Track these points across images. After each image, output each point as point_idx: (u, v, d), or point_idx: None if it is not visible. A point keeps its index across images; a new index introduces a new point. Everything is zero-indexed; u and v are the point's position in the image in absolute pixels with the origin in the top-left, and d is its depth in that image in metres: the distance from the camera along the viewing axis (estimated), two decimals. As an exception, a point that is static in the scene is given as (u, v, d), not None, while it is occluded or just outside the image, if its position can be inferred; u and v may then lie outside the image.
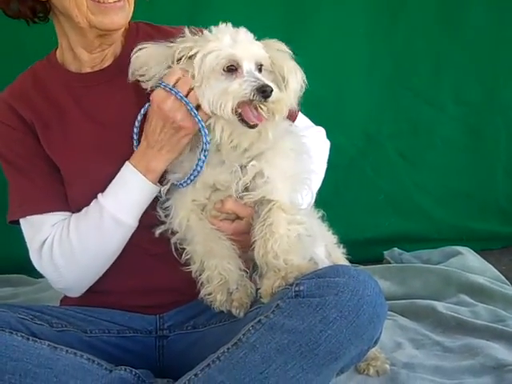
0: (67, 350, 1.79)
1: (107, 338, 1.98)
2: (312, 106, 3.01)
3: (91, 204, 1.94)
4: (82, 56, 2.01)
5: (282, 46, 1.86)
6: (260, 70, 1.80)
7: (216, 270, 1.82)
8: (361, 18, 3.37)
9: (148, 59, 1.81)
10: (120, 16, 1.92)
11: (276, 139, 1.84)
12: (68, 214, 2.00)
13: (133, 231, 1.95)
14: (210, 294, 1.84)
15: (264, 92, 1.71)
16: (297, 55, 1.87)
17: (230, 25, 1.83)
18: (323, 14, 3.32)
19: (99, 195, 1.93)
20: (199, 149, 1.83)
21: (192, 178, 1.83)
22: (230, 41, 1.78)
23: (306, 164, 1.93)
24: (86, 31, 1.93)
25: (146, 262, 2.00)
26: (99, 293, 2.03)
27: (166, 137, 1.83)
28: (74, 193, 1.99)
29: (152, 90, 1.83)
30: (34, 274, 2.35)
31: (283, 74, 1.82)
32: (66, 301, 2.12)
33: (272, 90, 1.72)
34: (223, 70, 1.76)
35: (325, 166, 2.21)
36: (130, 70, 1.83)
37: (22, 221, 2.01)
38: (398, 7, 3.40)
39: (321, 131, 2.26)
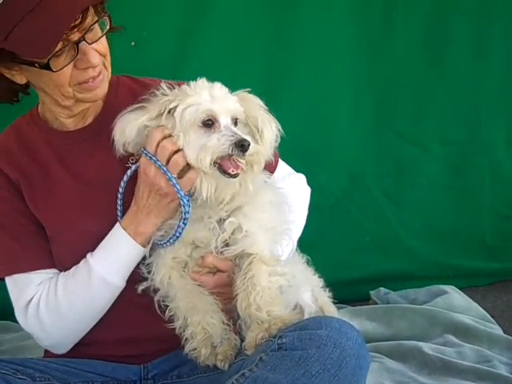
0: (49, 406, 1.78)
1: (91, 390, 1.98)
2: (297, 147, 3.07)
3: (80, 264, 1.95)
4: (64, 120, 2.03)
5: (256, 99, 1.89)
6: (236, 124, 1.83)
7: (199, 325, 1.83)
8: (345, 59, 3.40)
9: (129, 133, 1.83)
10: (102, 87, 1.94)
11: (253, 193, 1.86)
12: (54, 271, 2.00)
13: (120, 291, 1.96)
14: (194, 349, 1.85)
15: (242, 146, 1.74)
16: (269, 107, 1.90)
17: (205, 80, 1.86)
18: (307, 57, 3.34)
19: (88, 255, 1.94)
20: (179, 211, 1.85)
21: (171, 241, 1.86)
22: (208, 96, 1.81)
23: (286, 215, 1.95)
24: (70, 106, 1.95)
25: (131, 312, 1.99)
26: (83, 344, 2.03)
27: (154, 202, 1.86)
28: (58, 250, 1.99)
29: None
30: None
31: (257, 125, 1.85)
32: (49, 352, 2.11)
33: (249, 144, 1.75)
34: (201, 124, 1.79)
35: (306, 213, 2.24)
36: (116, 148, 1.86)
37: (7, 279, 2.01)
38: (381, 48, 3.43)
39: (301, 178, 2.28)
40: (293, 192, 2.09)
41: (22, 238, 1.99)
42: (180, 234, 1.84)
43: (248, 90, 1.89)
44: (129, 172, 1.90)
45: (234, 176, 1.78)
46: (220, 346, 1.84)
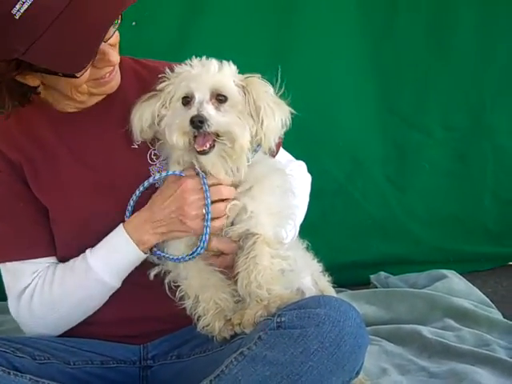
0: (48, 384, 1.78)
1: (90, 369, 1.97)
2: (300, 132, 3.06)
3: (78, 259, 1.94)
4: (68, 108, 2.01)
5: (263, 86, 1.88)
6: (222, 101, 1.81)
7: (211, 300, 1.85)
8: (348, 43, 3.39)
9: (145, 121, 1.87)
10: (116, 79, 1.94)
11: (263, 176, 1.88)
12: (51, 260, 1.98)
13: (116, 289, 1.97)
14: (207, 325, 1.86)
15: (193, 123, 1.75)
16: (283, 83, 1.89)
17: (204, 58, 1.85)
18: (311, 41, 3.33)
19: (88, 252, 1.93)
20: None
21: (182, 260, 1.88)
22: (194, 73, 1.81)
23: (291, 200, 1.95)
24: (85, 100, 1.94)
25: (131, 291, 1.99)
26: (84, 323, 2.02)
27: (168, 222, 1.86)
28: (61, 232, 1.97)
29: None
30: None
31: (260, 114, 1.84)
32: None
33: (203, 121, 1.74)
34: (182, 103, 1.81)
35: (307, 199, 2.24)
36: (134, 136, 1.89)
37: (1, 266, 2.00)
38: (385, 32, 3.42)
39: (301, 165, 2.28)
40: (296, 178, 2.08)
41: (18, 225, 1.96)
42: (190, 259, 1.87)
43: (258, 75, 1.88)
44: (151, 179, 1.91)
45: (201, 153, 1.79)
46: (233, 315, 1.84)
